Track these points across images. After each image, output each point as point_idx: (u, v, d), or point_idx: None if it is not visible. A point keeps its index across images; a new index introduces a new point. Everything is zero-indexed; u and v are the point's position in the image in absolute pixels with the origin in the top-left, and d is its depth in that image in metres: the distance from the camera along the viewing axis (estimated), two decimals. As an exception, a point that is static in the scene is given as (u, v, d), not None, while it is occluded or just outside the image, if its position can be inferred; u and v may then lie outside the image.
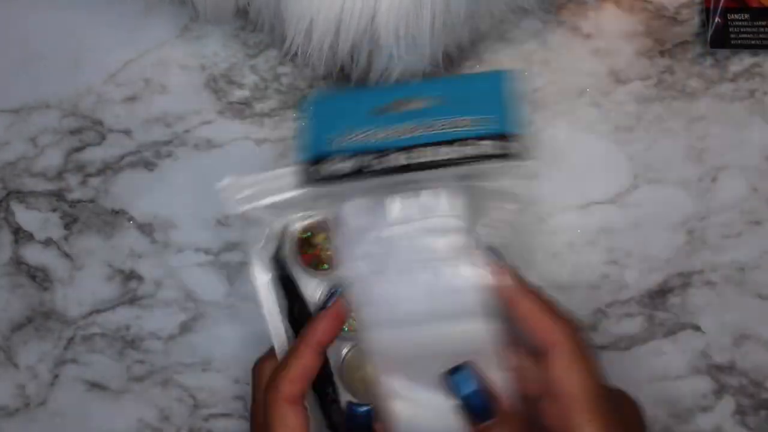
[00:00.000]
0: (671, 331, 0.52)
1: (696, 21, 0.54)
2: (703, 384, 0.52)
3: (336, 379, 0.44)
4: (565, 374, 0.37)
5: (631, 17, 0.53)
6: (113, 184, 0.52)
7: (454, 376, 0.39)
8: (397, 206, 0.41)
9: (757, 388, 0.52)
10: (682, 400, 0.52)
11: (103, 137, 0.52)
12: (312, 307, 0.45)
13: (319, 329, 0.40)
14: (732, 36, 0.52)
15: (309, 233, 0.46)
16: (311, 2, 0.43)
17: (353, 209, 0.42)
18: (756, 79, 0.53)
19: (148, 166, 0.52)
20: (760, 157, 0.53)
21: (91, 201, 0.52)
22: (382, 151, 0.42)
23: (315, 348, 0.40)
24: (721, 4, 0.52)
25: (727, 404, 0.52)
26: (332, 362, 0.44)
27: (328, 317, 0.41)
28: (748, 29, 0.53)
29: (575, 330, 0.39)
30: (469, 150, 0.41)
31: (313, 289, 0.45)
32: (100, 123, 0.52)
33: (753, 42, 0.52)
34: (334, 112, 0.44)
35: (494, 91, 0.43)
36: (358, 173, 0.42)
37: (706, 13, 0.53)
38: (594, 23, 0.53)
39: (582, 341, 0.39)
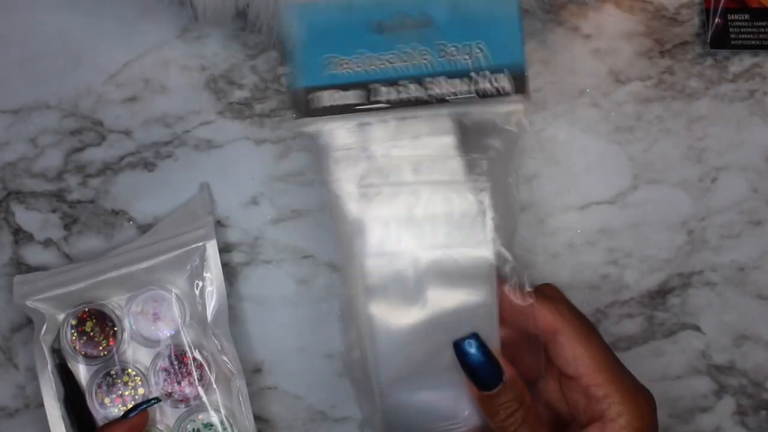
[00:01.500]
0: (671, 332, 0.52)
1: (696, 21, 0.54)
2: (703, 384, 0.52)
3: None
4: (579, 352, 0.40)
5: (631, 17, 0.53)
6: (113, 184, 0.52)
7: (463, 345, 0.40)
8: (391, 128, 0.43)
9: (757, 389, 0.52)
10: (682, 401, 0.52)
11: (103, 138, 0.52)
12: (87, 393, 0.48)
13: None
14: (732, 36, 0.52)
15: (80, 322, 0.49)
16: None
17: (338, 131, 0.42)
18: (756, 79, 0.53)
19: (148, 166, 0.52)
20: (760, 157, 0.53)
21: (91, 201, 0.52)
22: (390, 81, 0.42)
23: None
24: (721, 5, 0.52)
25: (727, 404, 0.52)
26: None
27: (125, 426, 0.45)
28: (749, 30, 0.53)
29: (573, 311, 0.41)
30: (483, 85, 0.43)
31: (87, 375, 0.49)
32: (100, 123, 0.52)
33: (753, 42, 0.52)
34: (326, 26, 0.43)
35: (505, 11, 0.43)
36: (362, 105, 0.43)
37: (706, 13, 0.53)
38: (594, 23, 0.53)
39: (584, 319, 0.41)
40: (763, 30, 0.53)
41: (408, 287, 0.40)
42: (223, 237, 0.51)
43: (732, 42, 0.52)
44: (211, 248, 0.48)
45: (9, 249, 0.52)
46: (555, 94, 0.53)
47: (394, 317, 0.40)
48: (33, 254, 0.52)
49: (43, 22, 0.53)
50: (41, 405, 0.49)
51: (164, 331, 0.49)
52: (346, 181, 0.42)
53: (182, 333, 0.49)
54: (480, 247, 0.41)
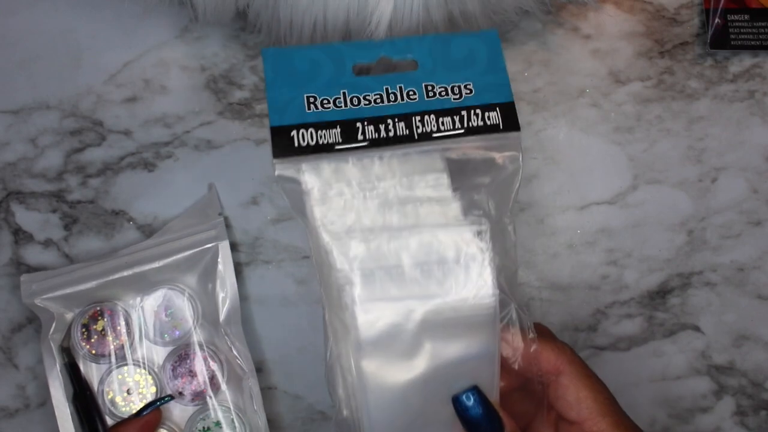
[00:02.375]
0: (671, 332, 0.52)
1: (696, 22, 0.54)
2: (703, 384, 0.52)
3: None
4: (583, 395, 0.38)
5: (631, 18, 0.53)
6: (113, 185, 0.52)
7: (462, 398, 0.38)
8: (379, 166, 0.40)
9: (757, 389, 0.52)
10: (682, 401, 0.52)
11: (103, 138, 0.52)
12: (96, 392, 0.48)
13: None
14: (732, 37, 0.52)
15: (91, 321, 0.49)
16: (312, 3, 0.43)
17: (322, 172, 0.39)
18: (756, 80, 0.53)
19: (148, 167, 0.52)
20: (760, 158, 0.53)
21: (91, 202, 0.52)
22: (376, 119, 0.40)
23: None
24: (721, 5, 0.52)
25: (727, 405, 0.52)
26: None
27: (139, 424, 0.45)
28: (748, 30, 0.53)
29: (574, 353, 0.40)
30: (474, 122, 0.41)
31: (98, 374, 0.49)
32: (100, 124, 0.52)
33: (753, 43, 0.52)
34: (307, 67, 0.40)
35: (488, 51, 0.42)
36: (347, 143, 0.39)
37: (706, 13, 0.53)
38: (594, 24, 0.53)
39: (583, 361, 0.40)
40: (763, 30, 0.53)
41: (403, 339, 0.37)
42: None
43: (732, 42, 0.52)
44: (224, 249, 0.49)
45: (9, 249, 0.52)
46: (555, 95, 0.53)
47: (388, 372, 0.37)
48: (33, 254, 0.52)
49: (44, 23, 0.53)
50: (42, 405, 0.49)
51: (176, 331, 0.49)
52: (332, 226, 0.38)
53: (194, 332, 0.49)
54: (481, 292, 0.38)
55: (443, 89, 0.41)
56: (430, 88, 0.41)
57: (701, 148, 0.53)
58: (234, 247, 0.52)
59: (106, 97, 0.52)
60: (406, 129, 0.40)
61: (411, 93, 0.41)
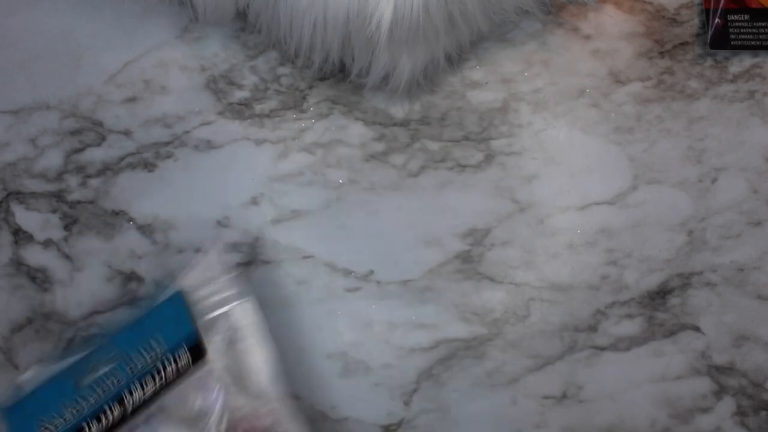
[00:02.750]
0: (671, 332, 0.52)
1: (696, 22, 0.54)
2: (703, 385, 0.52)
3: None
4: None
5: (631, 18, 0.54)
6: (113, 185, 0.52)
7: None
8: None
9: (757, 389, 0.52)
10: (682, 401, 0.52)
11: (103, 138, 0.52)
12: None
13: None
14: (732, 37, 0.52)
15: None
16: (312, 4, 0.43)
17: None
18: (756, 80, 0.53)
19: (148, 167, 0.52)
20: (760, 158, 0.53)
21: (91, 202, 0.52)
22: (96, 413, 0.43)
23: None
24: (721, 5, 0.53)
25: (727, 405, 0.52)
26: None
27: None
28: (748, 30, 0.53)
29: None
30: (169, 369, 0.44)
31: None
32: (100, 124, 0.52)
33: (753, 43, 0.53)
34: (33, 410, 0.44)
35: (173, 305, 0.46)
36: None
37: (706, 14, 0.53)
38: (594, 24, 0.53)
39: None
40: (763, 30, 0.53)
41: None
42: (223, 237, 0.51)
43: (732, 42, 0.52)
44: None
45: (9, 249, 0.52)
46: (555, 95, 0.53)
47: None
48: (33, 254, 0.52)
49: (44, 23, 0.53)
50: (41, 405, 0.49)
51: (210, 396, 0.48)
52: None
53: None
54: None
55: (135, 354, 0.44)
56: (126, 360, 0.44)
57: (701, 148, 0.53)
58: (234, 247, 0.52)
59: (106, 98, 0.52)
60: (121, 407, 0.44)
61: (115, 377, 0.44)
